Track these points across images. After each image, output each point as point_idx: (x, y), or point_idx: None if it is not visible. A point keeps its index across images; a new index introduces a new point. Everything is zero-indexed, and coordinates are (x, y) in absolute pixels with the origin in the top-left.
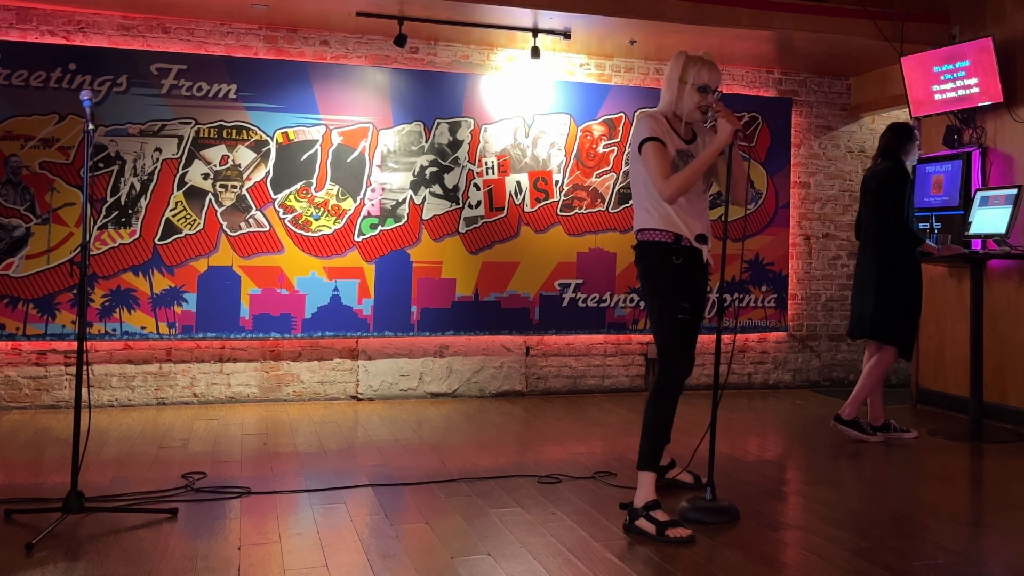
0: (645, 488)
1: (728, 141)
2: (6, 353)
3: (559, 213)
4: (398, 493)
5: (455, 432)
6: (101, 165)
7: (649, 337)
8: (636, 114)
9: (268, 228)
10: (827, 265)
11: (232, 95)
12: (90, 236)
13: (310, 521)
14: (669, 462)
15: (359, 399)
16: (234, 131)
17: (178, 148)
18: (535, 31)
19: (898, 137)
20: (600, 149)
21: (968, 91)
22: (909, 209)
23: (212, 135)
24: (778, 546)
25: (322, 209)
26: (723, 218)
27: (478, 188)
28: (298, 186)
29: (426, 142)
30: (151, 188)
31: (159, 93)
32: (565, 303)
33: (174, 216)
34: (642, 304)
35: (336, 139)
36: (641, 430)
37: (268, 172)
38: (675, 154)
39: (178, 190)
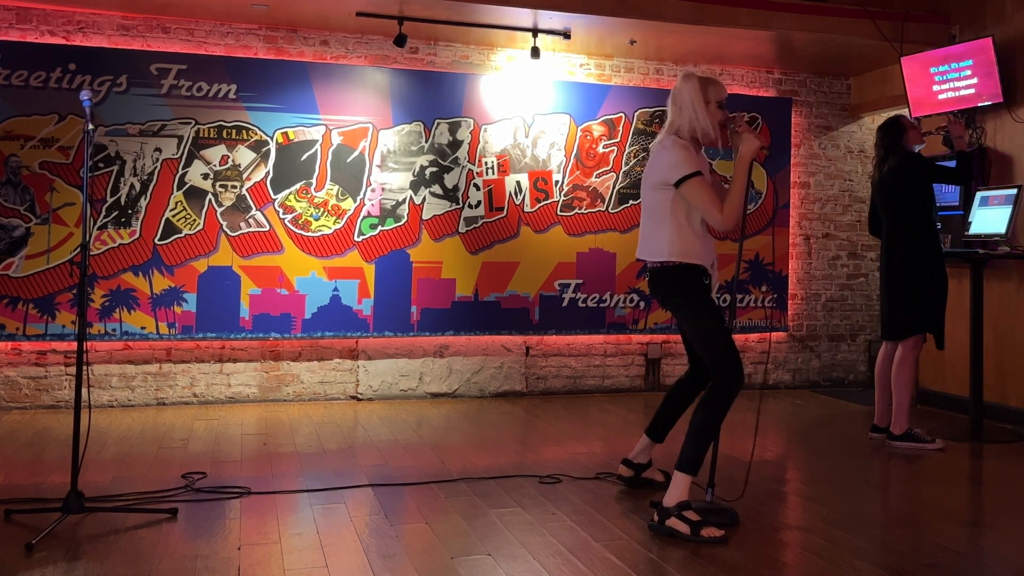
0: (680, 489)
1: (754, 156)
2: (6, 353)
3: (559, 213)
4: (398, 493)
5: (455, 432)
6: (101, 165)
7: (648, 337)
8: (661, 142)
9: (268, 228)
10: (827, 265)
11: (232, 95)
12: (90, 236)
13: (310, 521)
14: (647, 461)
15: (359, 399)
16: (234, 131)
17: (178, 148)
18: (535, 31)
19: (887, 133)
20: (600, 149)
21: (968, 91)
22: (932, 205)
23: (212, 135)
24: (778, 546)
25: (322, 209)
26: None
27: (478, 188)
28: (298, 186)
29: (426, 142)
30: (151, 188)
31: (159, 93)
32: (565, 303)
33: (174, 216)
34: (642, 304)
35: (336, 139)
36: (688, 434)
37: (268, 172)
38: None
39: (178, 190)
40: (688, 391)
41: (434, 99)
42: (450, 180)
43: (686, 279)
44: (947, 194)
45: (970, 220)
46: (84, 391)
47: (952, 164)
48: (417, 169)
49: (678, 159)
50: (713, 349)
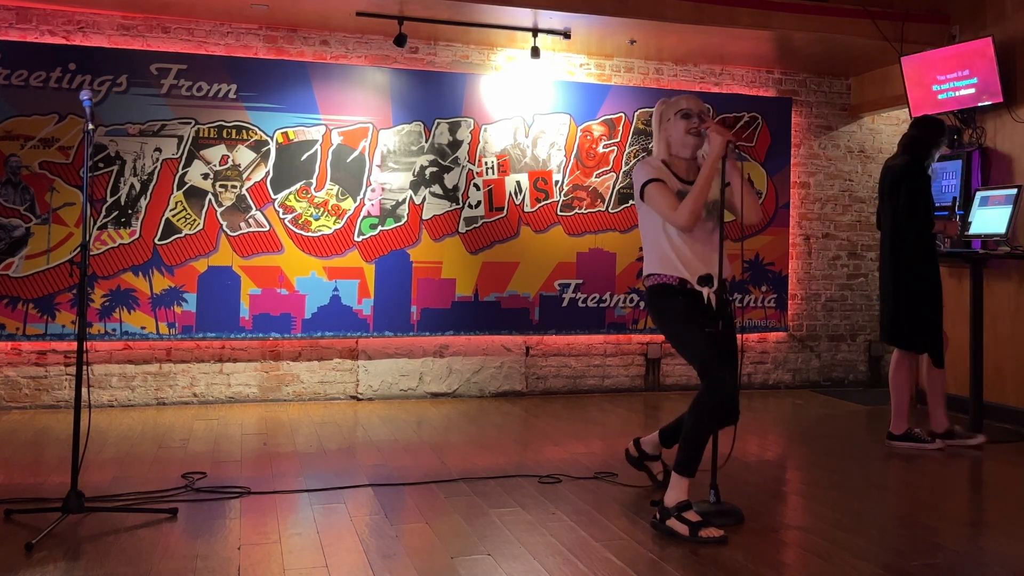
0: (679, 489)
1: (721, 151)
2: (6, 353)
3: (559, 213)
4: (398, 493)
5: (455, 432)
6: (101, 165)
7: (648, 337)
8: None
9: (268, 228)
10: (827, 265)
11: (232, 95)
12: (90, 236)
13: (310, 521)
14: (657, 455)
15: (359, 399)
16: (234, 131)
17: (178, 148)
18: (535, 31)
19: (920, 128)
20: (600, 149)
21: (968, 91)
22: (928, 209)
23: (212, 135)
24: (778, 546)
25: (322, 209)
26: (721, 217)
27: (478, 188)
28: (298, 186)
29: (426, 142)
30: (151, 188)
31: (159, 93)
32: (565, 303)
33: (174, 216)
34: (642, 304)
35: (336, 139)
36: (681, 437)
37: (268, 172)
38: (675, 193)
39: (178, 190)
40: None
41: (434, 99)
42: (450, 180)
43: (658, 301)
44: (946, 193)
45: (970, 220)
46: (84, 391)
47: (952, 164)
48: (417, 169)
49: (638, 174)
50: (695, 361)
